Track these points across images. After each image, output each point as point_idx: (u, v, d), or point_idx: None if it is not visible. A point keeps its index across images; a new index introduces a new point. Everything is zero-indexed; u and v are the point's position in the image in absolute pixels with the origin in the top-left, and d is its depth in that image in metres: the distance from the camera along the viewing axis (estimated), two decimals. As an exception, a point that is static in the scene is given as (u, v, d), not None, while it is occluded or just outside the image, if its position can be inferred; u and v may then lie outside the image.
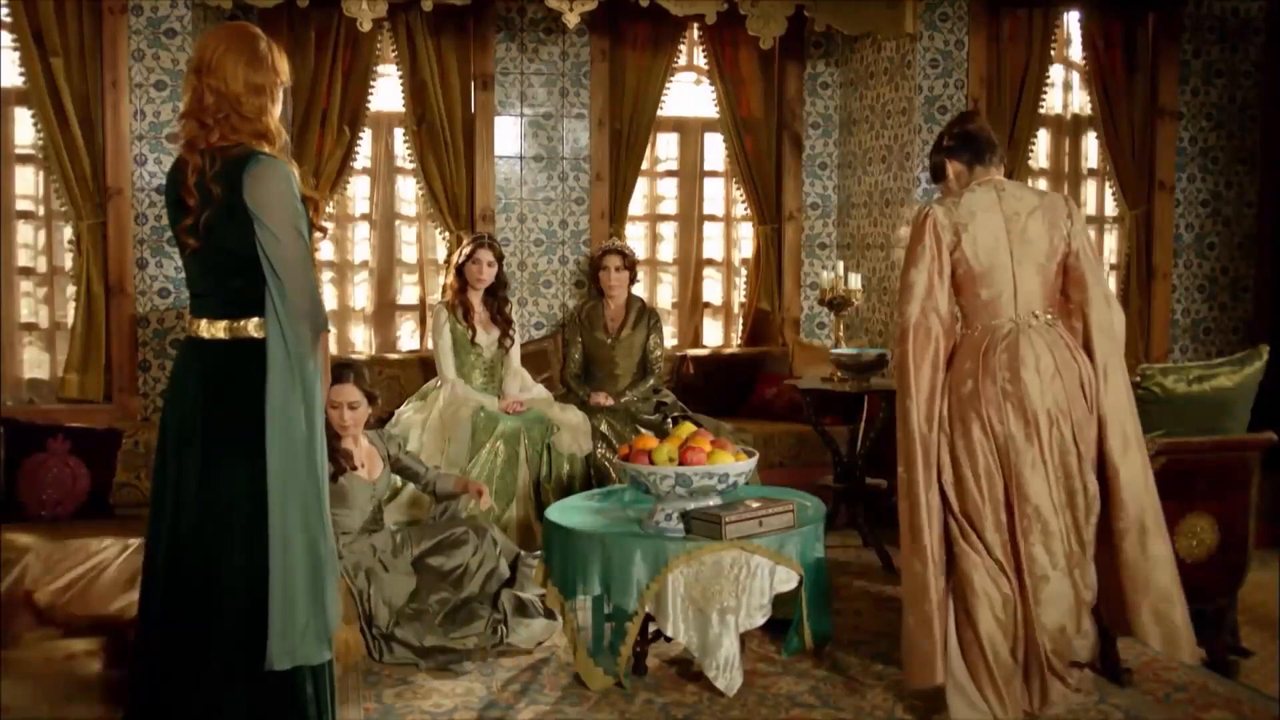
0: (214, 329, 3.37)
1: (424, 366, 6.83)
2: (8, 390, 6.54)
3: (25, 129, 6.50)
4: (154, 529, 3.45)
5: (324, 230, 3.55)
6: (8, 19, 6.31)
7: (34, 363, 6.75)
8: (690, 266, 8.01)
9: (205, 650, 3.33)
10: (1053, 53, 7.38)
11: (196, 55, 3.41)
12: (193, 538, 3.35)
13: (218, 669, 3.33)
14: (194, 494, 3.34)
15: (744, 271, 8.05)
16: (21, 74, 6.27)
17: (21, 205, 6.67)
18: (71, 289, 6.47)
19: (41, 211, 6.68)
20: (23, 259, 6.71)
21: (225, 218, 3.29)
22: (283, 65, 3.46)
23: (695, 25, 7.49)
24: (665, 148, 7.97)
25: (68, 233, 6.50)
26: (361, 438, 5.07)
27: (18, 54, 6.26)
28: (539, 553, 4.93)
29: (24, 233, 6.70)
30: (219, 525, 3.33)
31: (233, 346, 3.36)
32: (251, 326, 3.35)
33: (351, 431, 4.97)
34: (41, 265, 6.71)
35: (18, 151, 6.61)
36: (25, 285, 6.73)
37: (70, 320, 6.45)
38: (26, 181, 6.68)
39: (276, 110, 3.43)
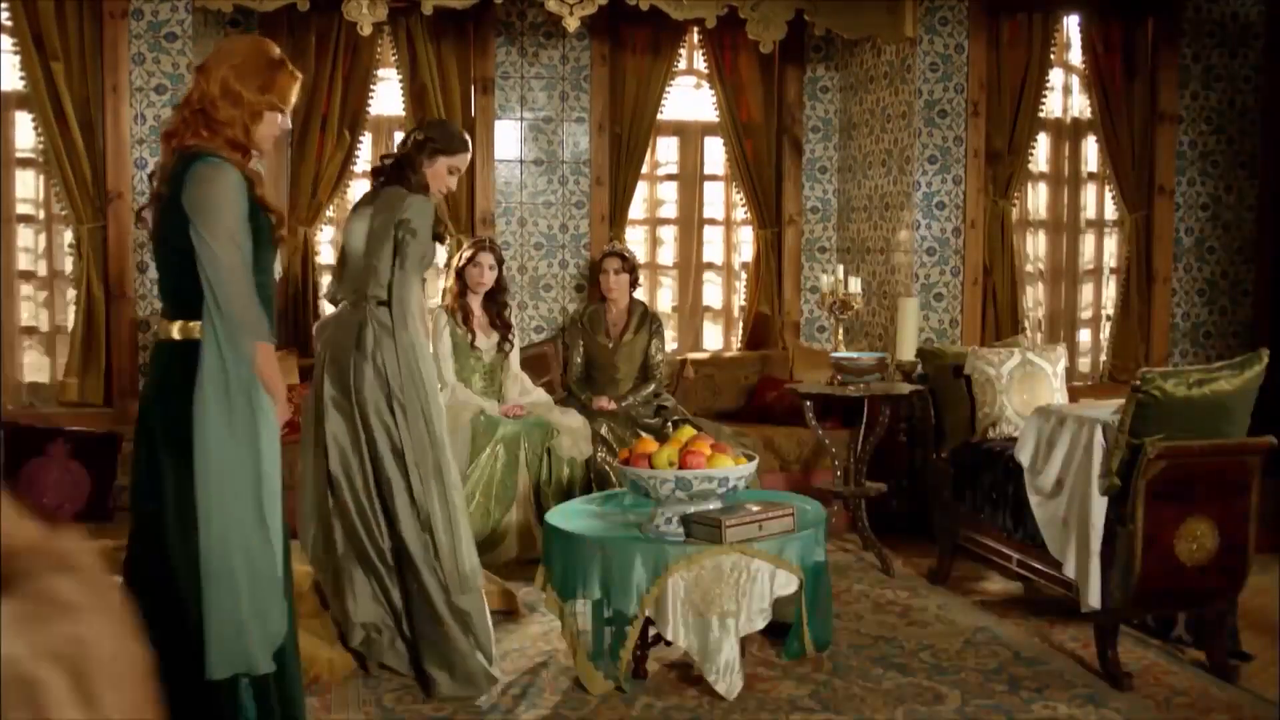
0: (170, 329, 3.37)
1: (424, 370, 6.82)
2: (8, 394, 6.53)
3: (26, 133, 6.50)
4: (136, 536, 3.50)
5: (281, 239, 3.51)
6: (8, 23, 6.31)
7: (34, 366, 6.74)
8: (690, 270, 8.01)
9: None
10: (1052, 56, 7.38)
11: (222, 55, 3.45)
12: (139, 541, 3.38)
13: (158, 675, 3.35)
14: (140, 496, 3.36)
15: (744, 275, 8.05)
16: (22, 78, 6.27)
17: (22, 209, 6.67)
18: (72, 293, 6.47)
19: (42, 215, 6.68)
20: (23, 263, 6.71)
21: (172, 217, 3.32)
22: (284, 89, 3.43)
23: (695, 29, 7.49)
24: (665, 152, 7.97)
25: (68, 236, 6.49)
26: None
27: (18, 58, 6.26)
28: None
29: (24, 236, 6.70)
30: (156, 529, 3.36)
31: (182, 347, 3.35)
32: (198, 329, 3.35)
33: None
34: (42, 269, 6.71)
35: (18, 155, 6.61)
36: (25, 289, 6.72)
37: (70, 324, 6.45)
38: (27, 185, 6.68)
39: (260, 128, 3.41)
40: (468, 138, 4.78)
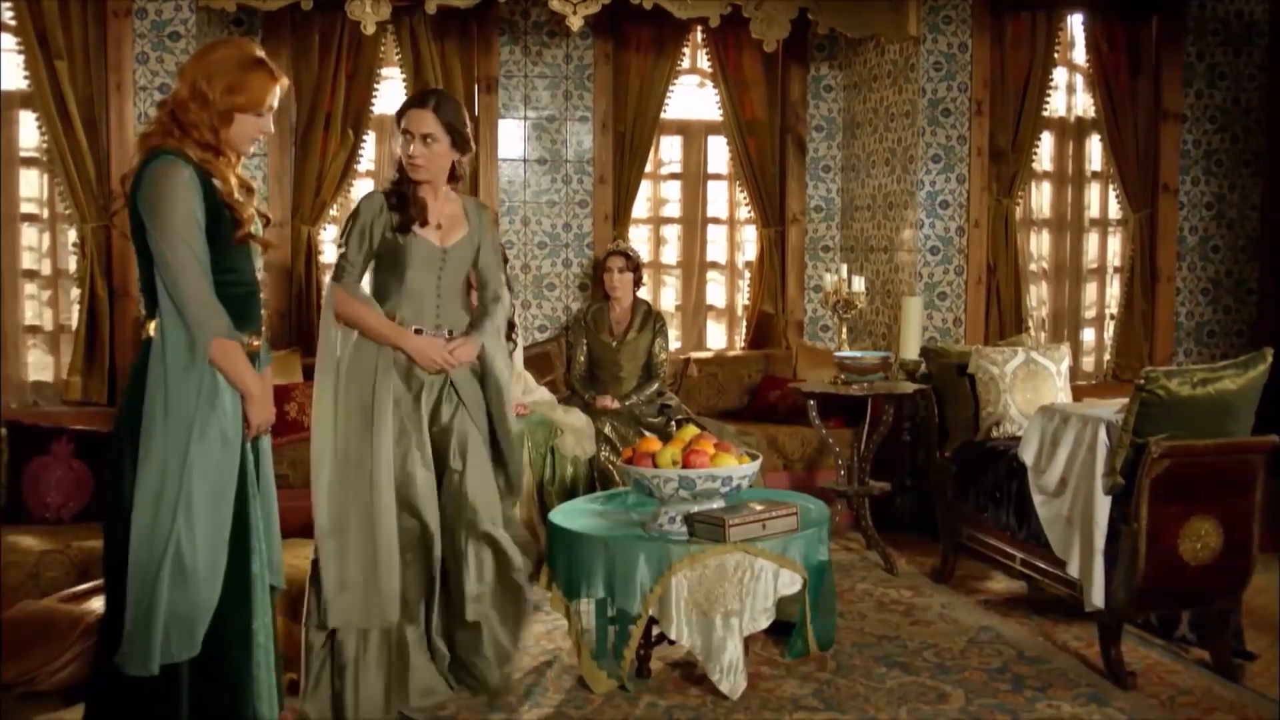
0: (149, 326, 3.37)
1: (427, 369, 6.82)
2: (12, 393, 6.54)
3: (29, 132, 6.50)
4: (106, 529, 3.55)
5: (254, 238, 3.49)
6: (12, 22, 6.31)
7: (38, 365, 6.75)
8: (694, 269, 8.01)
9: (111, 643, 3.41)
10: (1056, 55, 7.37)
11: (202, 60, 3.44)
12: (119, 537, 3.39)
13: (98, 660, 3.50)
14: (115, 494, 3.39)
15: (747, 274, 8.05)
16: (26, 77, 6.28)
17: (26, 208, 6.67)
18: (76, 292, 6.47)
19: (46, 214, 6.69)
20: (27, 262, 6.71)
21: (131, 217, 3.35)
22: (257, 90, 3.41)
23: (699, 28, 7.49)
24: (669, 150, 7.98)
25: (72, 235, 6.50)
26: (449, 194, 4.31)
27: (22, 57, 6.27)
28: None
29: (28, 235, 6.71)
30: (104, 523, 3.42)
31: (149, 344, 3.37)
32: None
33: (421, 173, 4.17)
34: (46, 268, 6.72)
35: (22, 154, 6.61)
36: (29, 288, 6.73)
37: (74, 323, 6.46)
38: (31, 184, 6.68)
39: (232, 130, 3.39)
40: (416, 96, 4.30)
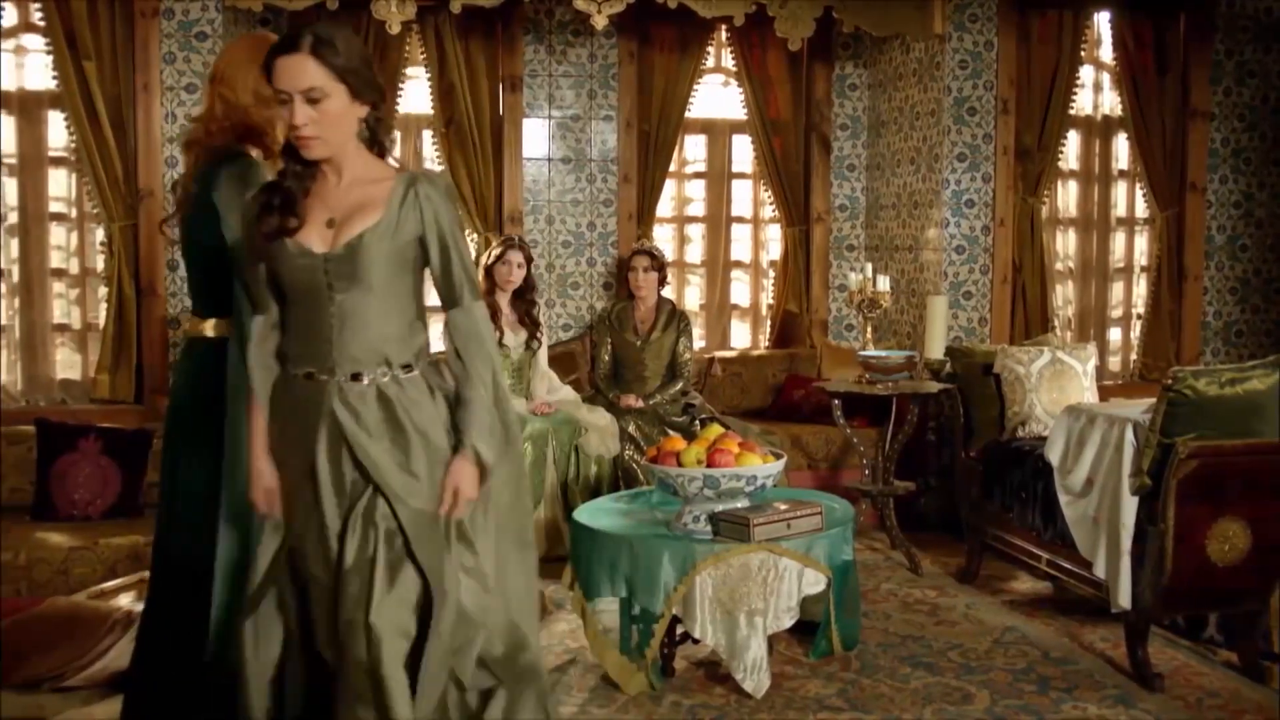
0: (203, 326, 3.38)
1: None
2: (40, 391, 6.59)
3: (58, 131, 6.55)
4: (156, 524, 3.57)
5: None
6: (41, 22, 6.36)
7: (66, 363, 6.80)
8: (718, 268, 8.01)
9: (151, 640, 3.43)
10: (1083, 53, 7.33)
11: (215, 64, 3.50)
12: (162, 533, 3.43)
13: (162, 658, 3.46)
14: (165, 491, 3.42)
15: (772, 273, 8.04)
16: (54, 77, 6.32)
17: (54, 207, 6.72)
18: (103, 290, 6.52)
19: (74, 213, 6.73)
20: (55, 260, 6.76)
21: (199, 214, 3.35)
22: None
23: (723, 27, 7.49)
24: (693, 149, 7.97)
25: (100, 234, 6.54)
26: (370, 172, 3.04)
27: (51, 57, 6.31)
28: None
29: (56, 234, 6.75)
30: (175, 522, 3.42)
31: (220, 344, 3.38)
32: (225, 326, 3.39)
33: (318, 146, 2.92)
34: (74, 267, 6.76)
35: (50, 154, 6.66)
36: (58, 287, 6.77)
37: (102, 321, 6.50)
38: (59, 184, 6.73)
39: (270, 122, 3.41)
40: (282, 40, 2.94)
